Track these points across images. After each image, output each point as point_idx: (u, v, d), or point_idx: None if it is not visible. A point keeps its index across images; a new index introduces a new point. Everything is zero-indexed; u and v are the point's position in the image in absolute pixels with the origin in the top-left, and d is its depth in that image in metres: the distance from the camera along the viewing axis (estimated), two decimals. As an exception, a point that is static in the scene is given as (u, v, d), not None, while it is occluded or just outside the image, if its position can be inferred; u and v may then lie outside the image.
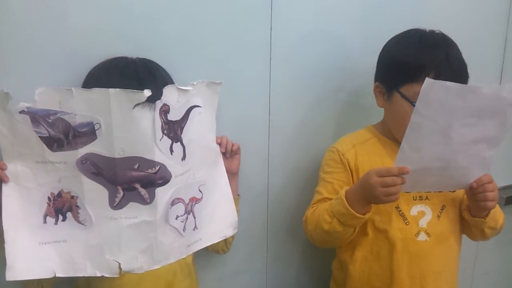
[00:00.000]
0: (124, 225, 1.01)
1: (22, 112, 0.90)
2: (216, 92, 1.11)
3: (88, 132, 0.94)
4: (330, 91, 1.45)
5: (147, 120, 0.96)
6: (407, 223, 1.21)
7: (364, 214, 1.12)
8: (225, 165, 1.19)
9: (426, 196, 1.22)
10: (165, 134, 1.00)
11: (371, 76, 1.28)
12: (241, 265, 1.46)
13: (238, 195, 1.29)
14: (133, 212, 1.01)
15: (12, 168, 0.95)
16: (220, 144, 1.17)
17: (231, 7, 1.24)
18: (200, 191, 1.12)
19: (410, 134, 1.01)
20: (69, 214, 1.00)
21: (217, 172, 1.17)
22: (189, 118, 1.05)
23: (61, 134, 0.93)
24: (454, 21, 1.48)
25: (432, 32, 1.21)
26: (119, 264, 1.01)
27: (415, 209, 1.22)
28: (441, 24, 1.23)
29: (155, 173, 1.00)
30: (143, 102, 0.93)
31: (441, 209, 1.24)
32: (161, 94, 0.97)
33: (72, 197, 0.99)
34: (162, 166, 1.01)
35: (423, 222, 1.22)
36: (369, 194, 1.08)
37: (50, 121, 0.92)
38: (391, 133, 1.25)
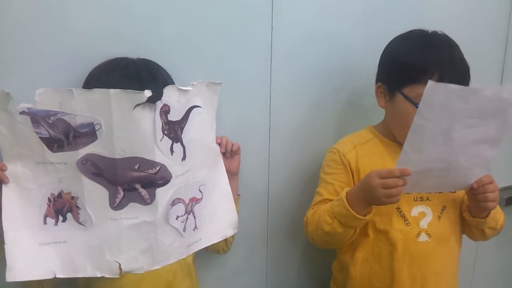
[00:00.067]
0: (124, 225, 1.01)
1: (22, 113, 0.90)
2: (216, 92, 1.11)
3: (89, 133, 0.94)
4: (331, 92, 1.45)
5: (148, 121, 0.96)
6: (408, 224, 1.21)
7: (365, 216, 1.11)
8: (225, 165, 1.19)
9: (427, 197, 1.22)
10: (166, 135, 1.00)
11: (372, 76, 1.28)
12: (241, 266, 1.46)
13: (238, 195, 1.29)
14: (134, 213, 1.01)
15: (12, 169, 0.95)
16: (220, 144, 1.17)
17: (232, 7, 1.24)
18: (200, 191, 1.12)
19: (413, 136, 1.01)
20: (69, 215, 1.00)
21: (217, 172, 1.17)
22: (189, 118, 1.05)
23: (62, 135, 0.93)
24: (454, 21, 1.48)
25: (435, 33, 1.20)
26: (119, 264, 1.01)
27: (415, 210, 1.22)
28: (441, 25, 1.23)
29: (156, 173, 1.00)
30: (143, 103, 0.93)
31: (441, 210, 1.24)
32: (161, 94, 0.97)
33: (73, 197, 0.99)
34: (163, 167, 1.01)
35: (424, 223, 1.22)
36: (370, 195, 1.07)
37: (50, 121, 0.92)
38: (392, 133, 1.25)
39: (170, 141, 1.02)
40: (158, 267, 1.05)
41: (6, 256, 0.94)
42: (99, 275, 1.01)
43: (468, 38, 1.24)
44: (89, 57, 1.07)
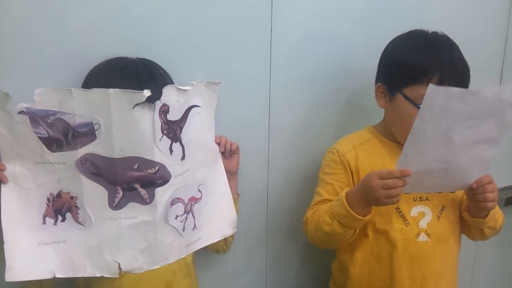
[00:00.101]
0: (123, 225, 1.01)
1: (21, 112, 0.90)
2: (215, 92, 1.11)
3: (88, 133, 0.94)
4: (330, 92, 1.45)
5: (147, 120, 0.96)
6: (407, 224, 1.21)
7: (364, 216, 1.11)
8: (224, 165, 1.19)
9: (426, 197, 1.22)
10: (165, 134, 1.00)
11: (372, 77, 1.28)
12: (241, 265, 1.46)
13: (238, 194, 1.29)
14: (133, 212, 1.01)
15: (11, 168, 0.95)
16: (219, 144, 1.17)
17: (231, 7, 1.24)
18: (199, 190, 1.12)
19: (413, 139, 1.01)
20: (68, 215, 1.00)
21: (216, 172, 1.17)
22: (188, 118, 1.05)
23: (61, 135, 0.93)
24: (454, 21, 1.48)
25: (435, 34, 1.20)
26: (119, 264, 1.01)
27: (415, 210, 1.22)
28: (441, 25, 1.23)
29: (155, 173, 1.00)
30: (142, 102, 0.93)
31: (441, 210, 1.24)
32: (160, 94, 0.97)
33: (72, 197, 0.99)
34: (162, 166, 1.01)
35: (423, 223, 1.22)
36: (370, 196, 1.07)
37: (49, 121, 0.92)
38: (391, 133, 1.25)
39: (169, 141, 1.02)
40: (158, 267, 1.06)
41: (6, 256, 0.94)
42: (98, 274, 1.01)
43: (467, 38, 1.24)
44: (88, 56, 1.07)
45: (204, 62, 1.24)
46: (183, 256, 1.11)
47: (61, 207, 0.99)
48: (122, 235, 1.02)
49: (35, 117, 0.91)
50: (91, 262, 1.01)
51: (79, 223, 1.00)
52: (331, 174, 1.26)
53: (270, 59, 1.33)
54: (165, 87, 0.98)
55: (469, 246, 1.67)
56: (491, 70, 1.73)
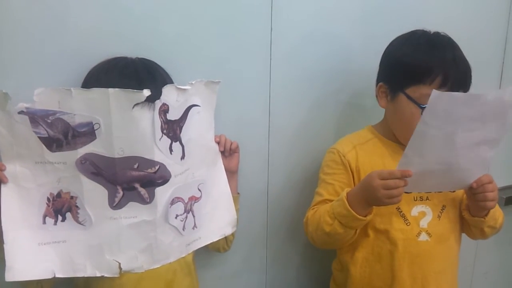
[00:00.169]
0: (123, 224, 1.01)
1: (21, 112, 0.90)
2: (214, 91, 1.11)
3: (88, 132, 0.94)
4: (331, 92, 1.44)
5: (147, 120, 0.96)
6: (408, 224, 1.21)
7: (365, 216, 1.11)
8: (224, 164, 1.19)
9: (427, 197, 1.22)
10: (165, 134, 1.00)
11: (372, 77, 1.28)
12: (241, 265, 1.46)
13: (238, 193, 1.29)
14: (133, 212, 1.01)
15: (11, 168, 0.95)
16: (219, 143, 1.17)
17: (231, 7, 1.24)
18: (199, 190, 1.12)
19: (415, 141, 1.01)
20: (68, 215, 1.00)
21: (216, 171, 1.17)
22: (188, 117, 1.05)
23: (60, 134, 0.93)
24: (454, 21, 1.47)
25: (438, 34, 1.20)
26: (119, 263, 1.02)
27: (415, 210, 1.22)
28: (441, 25, 1.22)
29: (155, 172, 1.01)
30: (142, 102, 0.93)
31: (441, 209, 1.24)
32: (160, 93, 0.97)
33: (72, 197, 0.99)
34: (162, 166, 1.01)
35: (424, 223, 1.21)
36: (371, 196, 1.07)
37: (49, 121, 0.92)
38: (392, 133, 1.25)
39: (169, 140, 1.02)
40: (158, 266, 1.06)
41: (6, 256, 0.94)
42: (98, 274, 1.01)
43: (467, 38, 1.23)
44: (88, 56, 1.07)
45: (204, 62, 1.24)
46: (183, 256, 1.11)
47: (61, 207, 0.99)
48: (122, 235, 1.02)
49: (35, 117, 0.91)
50: (91, 262, 1.01)
51: (79, 223, 1.00)
52: (332, 174, 1.26)
53: (270, 59, 1.33)
54: (164, 86, 0.98)
55: (469, 245, 1.67)
56: (491, 70, 1.73)
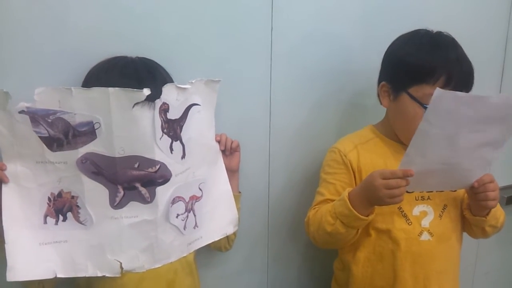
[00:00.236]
0: (124, 224, 1.01)
1: (21, 112, 0.90)
2: (214, 90, 1.11)
3: (88, 132, 0.94)
4: (331, 92, 1.44)
5: (147, 119, 0.96)
6: (410, 223, 1.21)
7: (367, 216, 1.11)
8: (225, 163, 1.19)
9: (428, 196, 1.22)
10: (165, 133, 1.00)
11: (373, 76, 1.27)
12: (242, 265, 1.46)
13: (239, 192, 1.29)
14: (134, 211, 1.01)
15: (12, 168, 0.95)
16: (219, 142, 1.17)
17: (232, 7, 1.24)
18: (200, 189, 1.12)
19: (417, 140, 1.01)
20: (69, 214, 1.00)
21: (217, 170, 1.17)
22: (188, 116, 1.05)
23: (61, 134, 0.93)
24: (454, 20, 1.47)
25: (440, 33, 1.20)
26: (120, 263, 1.02)
27: (417, 209, 1.22)
28: (441, 24, 1.22)
29: (155, 172, 1.01)
30: (142, 101, 0.93)
31: (442, 209, 1.24)
32: (160, 92, 0.97)
33: (73, 197, 0.99)
34: (162, 165, 1.01)
35: (426, 222, 1.21)
36: (373, 196, 1.07)
37: (49, 120, 0.92)
38: (393, 133, 1.24)
39: (170, 140, 1.02)
40: (159, 266, 1.06)
41: (7, 256, 0.94)
42: (100, 274, 1.01)
43: (468, 37, 1.23)
44: (88, 56, 1.07)
45: (204, 62, 1.24)
46: (184, 255, 1.11)
47: (62, 206, 0.99)
48: (123, 234, 1.02)
49: (36, 117, 0.91)
50: (92, 262, 1.01)
51: (80, 222, 1.00)
52: (333, 173, 1.26)
53: (271, 59, 1.33)
54: (164, 85, 0.98)
55: (470, 245, 1.67)
56: (492, 70, 1.73)
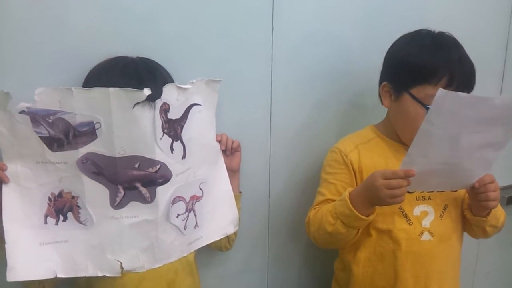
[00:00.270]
0: (125, 224, 1.01)
1: (22, 112, 0.90)
2: (215, 90, 1.11)
3: (89, 132, 0.94)
4: (332, 92, 1.44)
5: (147, 119, 0.96)
6: (410, 224, 1.21)
7: (368, 216, 1.11)
8: (225, 163, 1.19)
9: (429, 196, 1.22)
10: (166, 133, 1.00)
11: (373, 77, 1.27)
12: (242, 265, 1.45)
13: (240, 192, 1.29)
14: (134, 211, 1.01)
15: (12, 168, 0.95)
16: (220, 142, 1.17)
17: (232, 7, 1.24)
18: (200, 189, 1.12)
19: (419, 141, 1.01)
20: (69, 214, 1.00)
21: (217, 170, 1.17)
22: (188, 116, 1.05)
23: (61, 134, 0.93)
24: (455, 20, 1.47)
25: (442, 34, 1.20)
26: (121, 263, 1.02)
27: (418, 209, 1.22)
28: (442, 24, 1.22)
29: (156, 172, 1.01)
30: (143, 101, 0.93)
31: (443, 209, 1.23)
32: (161, 92, 0.97)
33: (73, 197, 0.99)
34: (163, 165, 1.01)
35: (426, 222, 1.21)
36: (374, 196, 1.07)
37: (50, 121, 0.92)
38: (394, 133, 1.24)
39: (170, 140, 1.02)
40: (159, 266, 1.06)
41: (7, 256, 0.94)
42: (100, 274, 1.01)
43: (468, 37, 1.23)
44: (89, 56, 1.07)
45: (205, 62, 1.23)
46: (185, 255, 1.11)
47: (62, 206, 0.99)
48: (124, 234, 1.02)
49: (36, 117, 0.91)
50: (93, 262, 1.01)
51: (81, 222, 1.00)
52: (334, 174, 1.26)
53: (272, 59, 1.33)
54: (165, 85, 0.98)
55: (471, 245, 1.67)
56: (493, 70, 1.73)
